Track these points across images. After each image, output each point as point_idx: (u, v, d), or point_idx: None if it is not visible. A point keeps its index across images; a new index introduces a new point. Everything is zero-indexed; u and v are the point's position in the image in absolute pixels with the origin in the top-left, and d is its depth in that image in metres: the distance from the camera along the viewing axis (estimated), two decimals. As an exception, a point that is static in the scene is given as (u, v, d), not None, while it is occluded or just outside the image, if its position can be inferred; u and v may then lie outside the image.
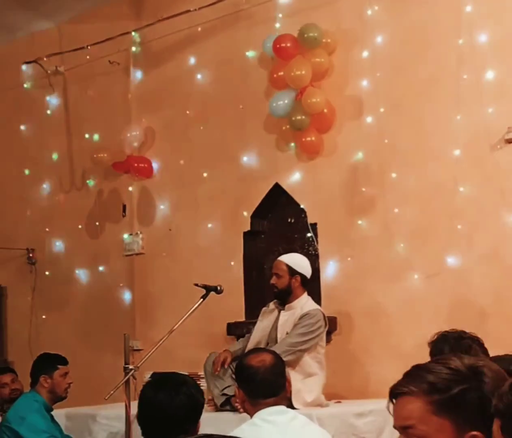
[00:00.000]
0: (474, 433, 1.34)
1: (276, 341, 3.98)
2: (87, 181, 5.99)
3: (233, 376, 3.95)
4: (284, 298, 4.15)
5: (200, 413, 2.44)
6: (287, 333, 4.01)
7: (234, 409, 3.84)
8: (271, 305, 4.24)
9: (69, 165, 6.16)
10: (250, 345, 4.11)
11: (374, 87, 4.73)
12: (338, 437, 3.46)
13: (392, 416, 1.45)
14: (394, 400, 1.44)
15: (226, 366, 3.92)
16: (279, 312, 4.15)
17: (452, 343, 2.70)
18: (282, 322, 4.08)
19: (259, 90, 5.17)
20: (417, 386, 1.39)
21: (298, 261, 4.20)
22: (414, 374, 1.42)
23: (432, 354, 2.78)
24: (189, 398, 2.38)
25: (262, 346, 3.91)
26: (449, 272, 4.37)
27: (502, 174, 4.28)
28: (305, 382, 3.88)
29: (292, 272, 4.11)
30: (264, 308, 4.25)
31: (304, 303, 4.10)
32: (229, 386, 3.93)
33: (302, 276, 4.14)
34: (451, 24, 4.51)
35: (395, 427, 1.44)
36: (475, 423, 1.34)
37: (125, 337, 3.64)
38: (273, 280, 4.15)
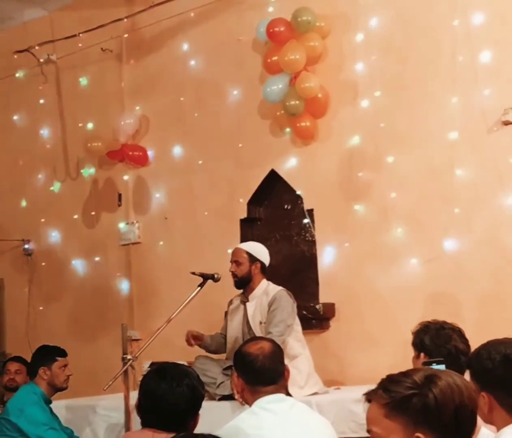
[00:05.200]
0: (418, 434, 1.47)
1: (250, 334, 3.98)
2: (82, 171, 5.95)
3: (224, 372, 3.96)
4: (244, 285, 4.15)
5: (200, 405, 2.44)
6: (260, 323, 4.02)
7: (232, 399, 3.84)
8: (235, 301, 4.24)
9: (64, 155, 6.12)
10: (228, 346, 4.13)
11: (369, 70, 4.70)
12: (337, 424, 3.46)
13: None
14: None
15: (192, 341, 4.09)
16: (244, 304, 4.15)
17: (433, 334, 2.74)
18: (251, 313, 4.09)
19: (253, 75, 5.13)
20: (376, 393, 1.54)
21: (257, 248, 4.21)
22: (381, 382, 1.56)
23: (413, 344, 2.82)
24: (191, 389, 2.38)
25: (240, 343, 3.91)
26: (447, 256, 4.36)
27: (499, 156, 4.26)
28: (291, 365, 3.88)
29: (252, 259, 4.12)
30: (230, 307, 4.25)
31: (265, 287, 4.11)
32: (222, 383, 3.93)
33: (262, 263, 4.14)
34: (445, 5, 4.48)
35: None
36: (420, 426, 1.48)
37: (123, 327, 3.63)
38: (232, 268, 4.13)
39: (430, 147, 4.47)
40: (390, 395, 1.50)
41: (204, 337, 4.24)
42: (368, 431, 1.56)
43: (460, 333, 2.77)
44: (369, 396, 1.55)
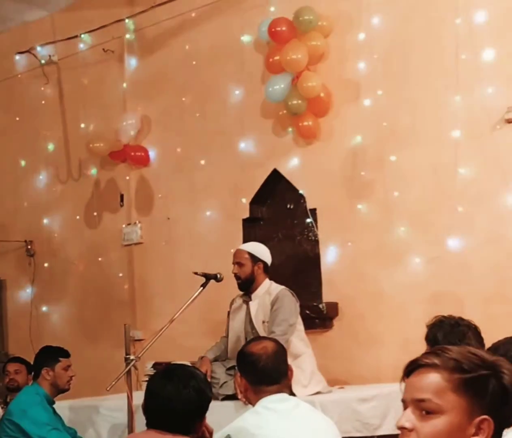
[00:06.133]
0: (486, 417, 1.35)
1: (253, 333, 3.97)
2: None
3: (228, 372, 3.95)
4: (247, 286, 4.13)
5: (207, 407, 2.43)
6: (263, 322, 4.01)
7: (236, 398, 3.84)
8: (237, 300, 4.23)
9: (66, 155, 6.13)
10: (230, 345, 4.11)
11: (371, 69, 4.69)
12: (341, 423, 3.45)
13: (403, 391, 1.43)
14: (409, 376, 1.43)
15: (209, 379, 3.85)
16: (247, 304, 4.14)
17: (447, 330, 2.70)
18: (254, 312, 4.08)
19: (255, 75, 5.13)
20: (442, 361, 1.39)
21: (259, 248, 4.19)
22: (439, 350, 1.42)
23: (427, 338, 2.79)
24: (197, 392, 2.37)
25: (242, 342, 3.90)
26: (450, 254, 4.35)
27: (502, 154, 4.25)
28: (294, 364, 3.88)
29: (254, 259, 4.11)
30: (232, 307, 4.23)
31: (268, 287, 4.10)
32: (225, 383, 3.92)
33: (264, 263, 4.13)
34: (448, 3, 4.47)
35: (404, 400, 1.42)
36: (490, 409, 1.36)
37: (126, 327, 3.63)
38: (235, 270, 4.11)
39: (433, 146, 4.46)
40: (462, 368, 1.37)
41: (210, 361, 4.09)
42: (417, 400, 1.39)
43: (476, 331, 2.73)
44: (430, 362, 1.39)
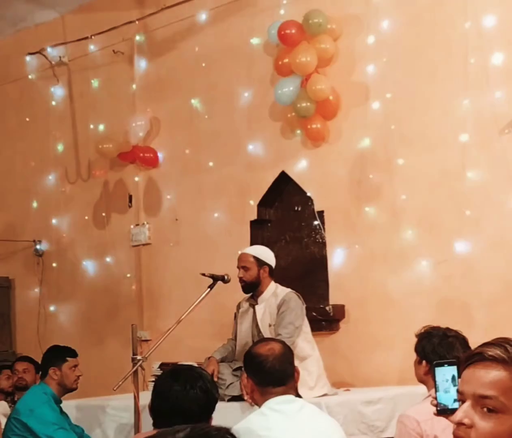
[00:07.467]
0: None
1: (259, 337, 3.96)
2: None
3: (234, 373, 3.96)
4: (252, 290, 4.13)
5: (214, 408, 2.43)
6: (269, 325, 4.02)
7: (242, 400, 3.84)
8: (243, 304, 4.23)
9: (75, 156, 6.16)
10: (238, 348, 4.11)
11: (380, 72, 4.69)
12: (347, 425, 3.45)
13: (461, 382, 1.32)
14: (468, 366, 1.31)
15: (216, 379, 3.88)
16: (253, 308, 4.14)
17: (435, 342, 2.72)
18: (260, 316, 4.08)
19: (264, 77, 5.14)
20: (510, 357, 1.28)
21: (264, 252, 4.19)
22: (506, 344, 1.30)
23: (416, 349, 2.80)
24: (204, 392, 2.37)
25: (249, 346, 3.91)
26: (458, 258, 4.35)
27: (510, 158, 4.24)
28: (301, 366, 3.89)
29: (260, 263, 4.10)
30: (240, 310, 4.23)
31: (274, 290, 4.10)
32: (231, 384, 3.93)
33: (269, 266, 4.13)
34: (457, 7, 4.46)
35: (462, 392, 1.31)
36: None
37: (133, 327, 3.64)
38: (240, 274, 4.11)
39: (441, 149, 4.46)
40: None
41: (217, 362, 4.10)
42: (481, 396, 1.26)
43: (463, 341, 2.73)
44: (501, 356, 1.26)
